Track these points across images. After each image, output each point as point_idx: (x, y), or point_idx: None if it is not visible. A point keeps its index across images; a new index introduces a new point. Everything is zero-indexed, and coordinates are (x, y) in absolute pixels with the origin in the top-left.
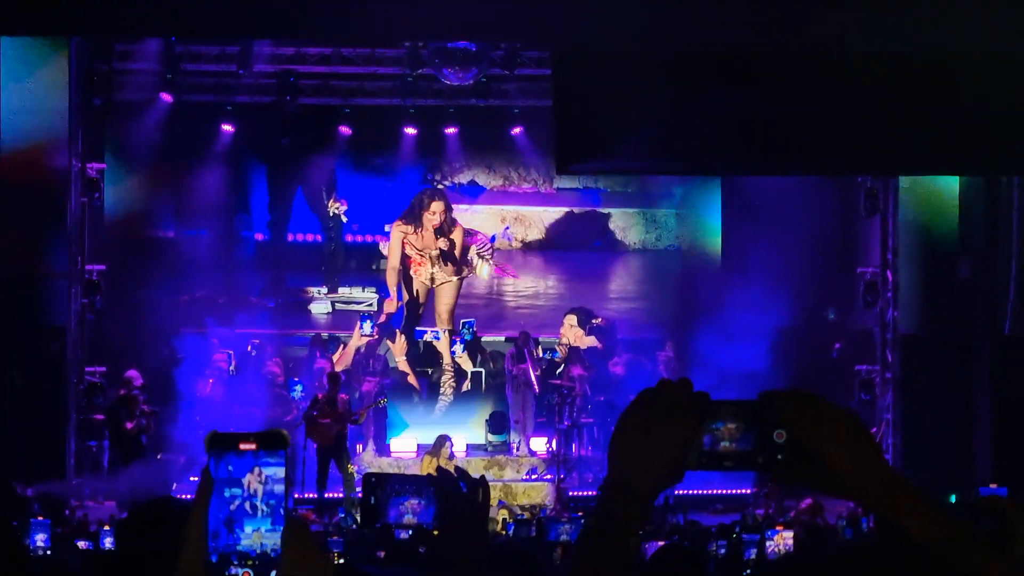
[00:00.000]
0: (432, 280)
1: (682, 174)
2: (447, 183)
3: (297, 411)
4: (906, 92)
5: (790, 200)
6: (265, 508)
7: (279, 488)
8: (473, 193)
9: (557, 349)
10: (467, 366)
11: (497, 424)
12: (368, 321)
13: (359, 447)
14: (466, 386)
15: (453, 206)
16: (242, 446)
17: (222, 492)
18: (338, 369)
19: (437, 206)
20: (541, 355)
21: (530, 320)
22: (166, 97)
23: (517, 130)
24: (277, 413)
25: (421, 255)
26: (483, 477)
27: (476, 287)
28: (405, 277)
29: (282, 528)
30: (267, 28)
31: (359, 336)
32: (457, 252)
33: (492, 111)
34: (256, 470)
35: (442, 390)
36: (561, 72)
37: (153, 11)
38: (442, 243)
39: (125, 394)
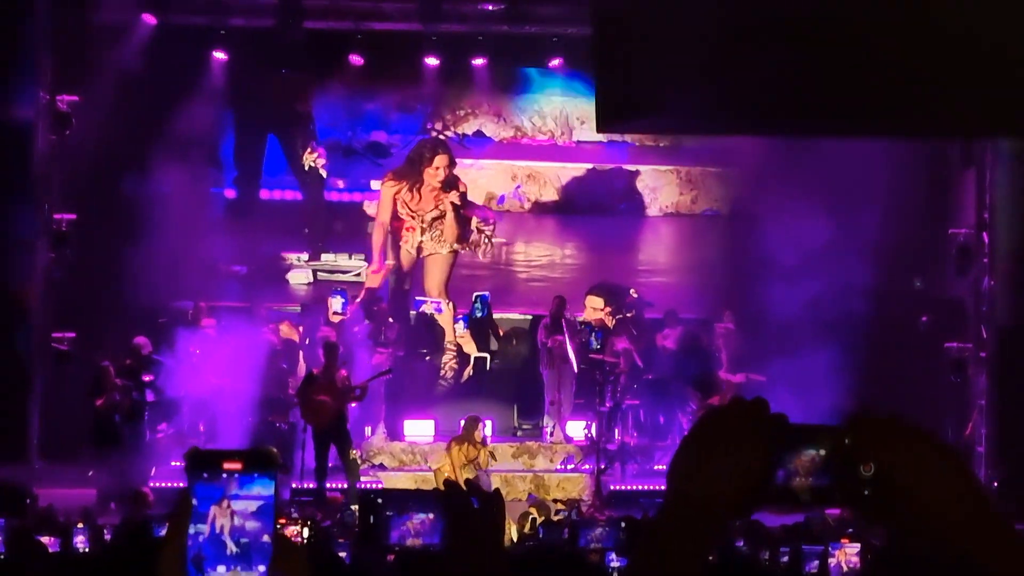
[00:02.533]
0: (419, 250)
1: (744, 134)
2: (448, 134)
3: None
4: (993, 51)
5: (867, 149)
6: (236, 548)
7: (263, 522)
8: (479, 145)
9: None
10: (470, 349)
11: (529, 406)
12: (339, 297)
13: (367, 430)
14: (467, 374)
15: (458, 162)
16: (226, 466)
17: (196, 523)
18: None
19: (441, 160)
20: (579, 326)
21: (543, 295)
22: (149, 19)
23: (556, 62)
24: (272, 391)
25: (413, 218)
26: (497, 491)
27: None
28: (393, 243)
29: (265, 567)
30: None
31: (331, 315)
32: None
33: (526, 39)
34: (224, 502)
35: (442, 372)
36: (603, 21)
37: None
38: (454, 196)
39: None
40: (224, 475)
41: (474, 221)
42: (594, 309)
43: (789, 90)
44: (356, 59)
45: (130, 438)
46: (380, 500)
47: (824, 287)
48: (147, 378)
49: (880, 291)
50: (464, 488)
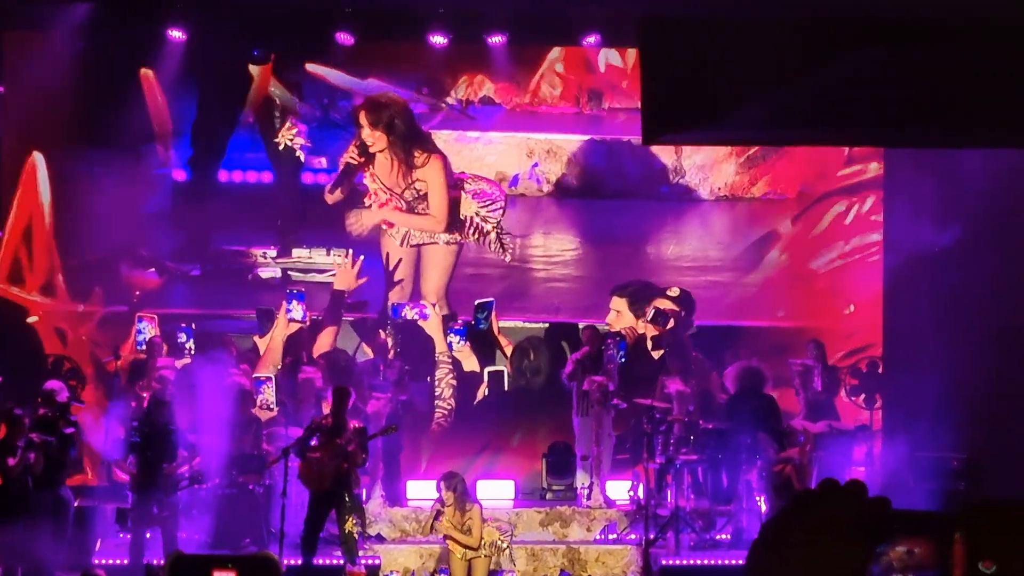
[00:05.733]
0: (406, 240)
1: (809, 145)
2: (449, 100)
3: (283, 440)
4: None
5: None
6: None
7: None
8: (486, 115)
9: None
10: (471, 366)
11: (558, 461)
12: (297, 301)
13: (362, 492)
14: (481, 392)
15: (460, 135)
16: (216, 575)
17: None
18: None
19: (363, 118)
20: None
21: (566, 299)
22: None
23: (592, 39)
24: (243, 446)
25: (389, 195)
26: None
27: (482, 249)
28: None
29: None
30: None
31: (285, 323)
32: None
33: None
34: None
35: (438, 392)
36: (651, 30)
37: None
38: (350, 153)
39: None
40: None
41: (472, 204)
42: (617, 313)
43: (870, 97)
44: (346, 38)
45: (48, 506)
46: None
47: (936, 306)
48: (68, 431)
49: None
50: None
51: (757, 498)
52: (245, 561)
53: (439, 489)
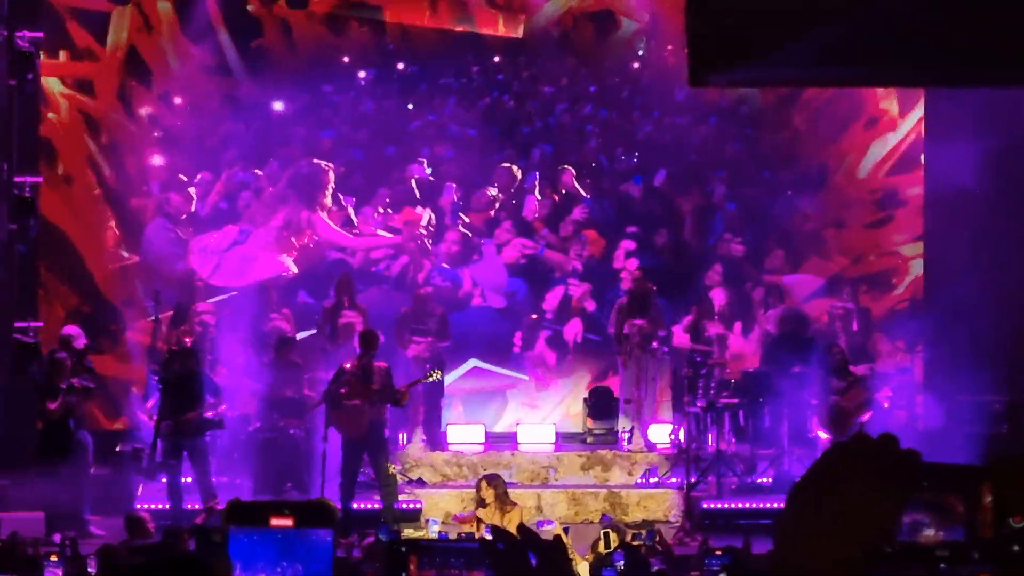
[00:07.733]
0: None
1: (865, 86)
2: None
3: (324, 385)
4: None
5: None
6: None
7: None
8: None
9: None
10: None
11: (600, 404)
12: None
13: (402, 437)
14: None
15: None
16: (274, 522)
17: None
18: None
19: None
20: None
21: None
22: None
23: None
24: (289, 392)
25: None
26: (558, 539)
27: None
28: None
29: None
30: None
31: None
32: None
33: None
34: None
35: None
36: None
37: None
38: None
39: (55, 359)
40: (274, 533)
41: None
42: None
43: (933, 30)
44: None
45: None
46: (406, 550)
47: (978, 248)
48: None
49: None
50: (517, 537)
51: (819, 432)
52: (303, 508)
53: (478, 488)
